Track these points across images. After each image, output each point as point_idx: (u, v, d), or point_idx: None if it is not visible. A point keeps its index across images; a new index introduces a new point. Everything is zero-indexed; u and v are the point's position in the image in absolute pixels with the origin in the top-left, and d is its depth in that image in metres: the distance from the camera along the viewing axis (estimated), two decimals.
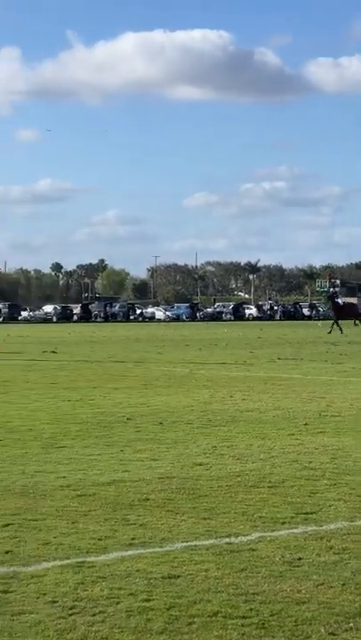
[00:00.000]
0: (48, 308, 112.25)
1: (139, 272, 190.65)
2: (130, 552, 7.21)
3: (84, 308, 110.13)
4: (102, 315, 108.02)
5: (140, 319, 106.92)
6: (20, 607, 5.97)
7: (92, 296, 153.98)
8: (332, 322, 54.39)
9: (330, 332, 50.38)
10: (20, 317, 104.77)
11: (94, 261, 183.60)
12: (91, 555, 7.12)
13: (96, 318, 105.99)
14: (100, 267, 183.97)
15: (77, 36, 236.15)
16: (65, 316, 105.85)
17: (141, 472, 10.42)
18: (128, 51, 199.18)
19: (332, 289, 71.83)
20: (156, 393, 18.90)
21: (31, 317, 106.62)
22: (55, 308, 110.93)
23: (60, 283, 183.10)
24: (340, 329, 50.82)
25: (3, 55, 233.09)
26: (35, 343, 41.60)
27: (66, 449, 11.96)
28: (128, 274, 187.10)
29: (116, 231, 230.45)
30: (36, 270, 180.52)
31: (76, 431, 13.54)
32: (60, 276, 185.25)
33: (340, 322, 52.75)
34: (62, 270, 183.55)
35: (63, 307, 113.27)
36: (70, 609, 5.96)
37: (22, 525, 7.99)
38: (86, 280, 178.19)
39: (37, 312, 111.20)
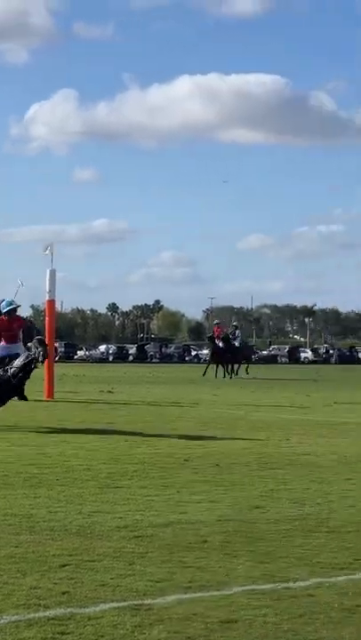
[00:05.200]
0: (104, 348, 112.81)
1: (194, 313, 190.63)
2: (187, 595, 7.16)
3: (140, 349, 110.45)
4: (158, 355, 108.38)
5: (196, 360, 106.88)
6: None
7: (147, 337, 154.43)
8: None
9: None
10: (75, 357, 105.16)
11: (150, 302, 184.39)
12: (148, 597, 7.08)
13: (151, 359, 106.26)
14: (156, 307, 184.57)
15: (133, 79, 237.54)
16: (120, 356, 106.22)
17: (198, 514, 10.38)
18: (183, 94, 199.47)
19: None
20: (213, 434, 18.83)
21: (87, 357, 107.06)
22: (111, 348, 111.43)
23: (116, 323, 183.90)
24: None
25: (59, 96, 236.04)
26: (91, 382, 41.71)
27: (123, 489, 11.94)
28: (183, 315, 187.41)
29: (171, 272, 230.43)
30: (92, 310, 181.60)
31: (133, 471, 13.52)
32: (116, 316, 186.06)
33: None
34: (118, 310, 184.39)
35: (119, 347, 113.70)
36: None
37: (79, 566, 7.98)
38: (142, 320, 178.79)
39: (93, 351, 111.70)
